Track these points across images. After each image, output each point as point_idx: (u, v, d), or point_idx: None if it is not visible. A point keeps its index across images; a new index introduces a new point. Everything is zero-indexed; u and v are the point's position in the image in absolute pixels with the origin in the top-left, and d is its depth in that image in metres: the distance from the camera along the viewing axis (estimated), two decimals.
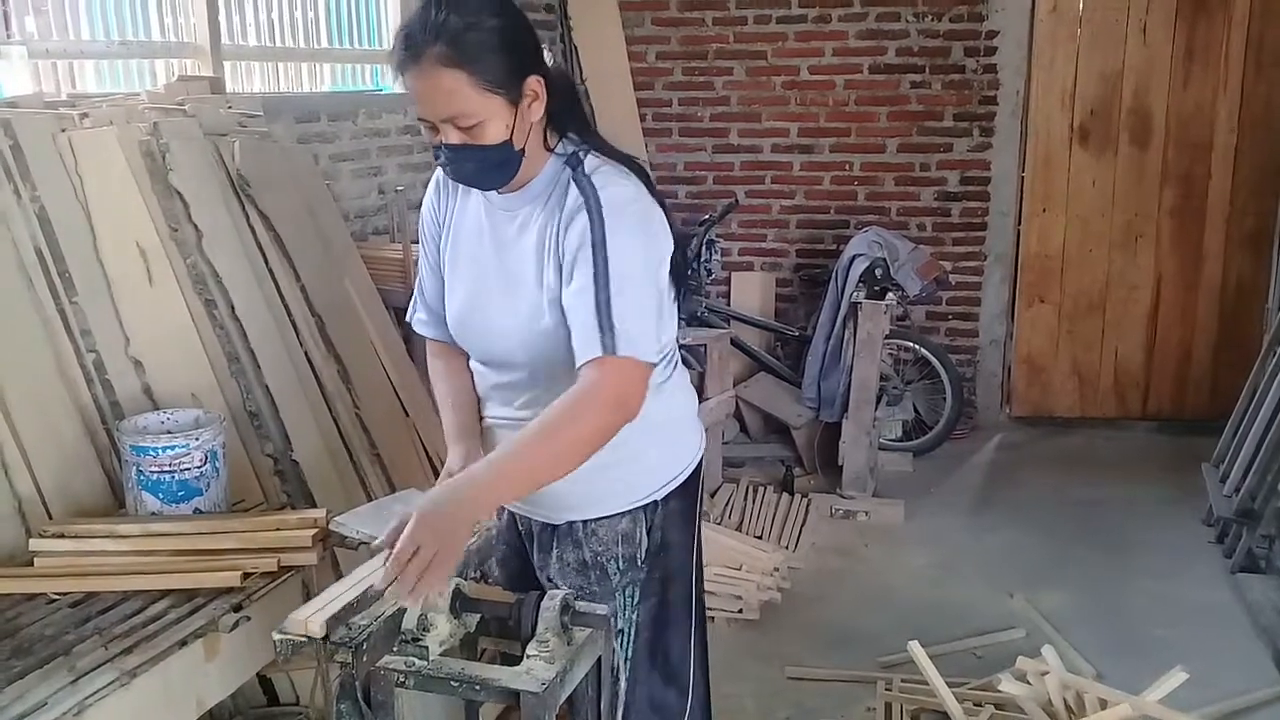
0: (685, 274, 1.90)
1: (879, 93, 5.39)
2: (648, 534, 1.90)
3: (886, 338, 4.73)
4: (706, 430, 2.14)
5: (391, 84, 4.59)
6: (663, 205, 1.80)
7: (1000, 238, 5.44)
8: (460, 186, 1.87)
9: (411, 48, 1.65)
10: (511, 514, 2.01)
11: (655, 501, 1.90)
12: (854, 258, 4.78)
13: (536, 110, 1.73)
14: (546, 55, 1.78)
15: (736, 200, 5.37)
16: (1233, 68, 5.14)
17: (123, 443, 2.41)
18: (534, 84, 1.71)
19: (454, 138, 1.70)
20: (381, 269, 3.65)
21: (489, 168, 1.74)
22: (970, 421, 5.50)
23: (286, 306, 3.10)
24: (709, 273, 5.04)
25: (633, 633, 1.92)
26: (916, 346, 5.19)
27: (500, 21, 1.67)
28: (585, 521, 1.89)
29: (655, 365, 1.72)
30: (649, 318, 1.70)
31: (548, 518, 1.94)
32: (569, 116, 1.81)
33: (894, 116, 5.40)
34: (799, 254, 5.63)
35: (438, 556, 1.50)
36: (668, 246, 1.78)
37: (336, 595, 1.62)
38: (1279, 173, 5.16)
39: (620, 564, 1.89)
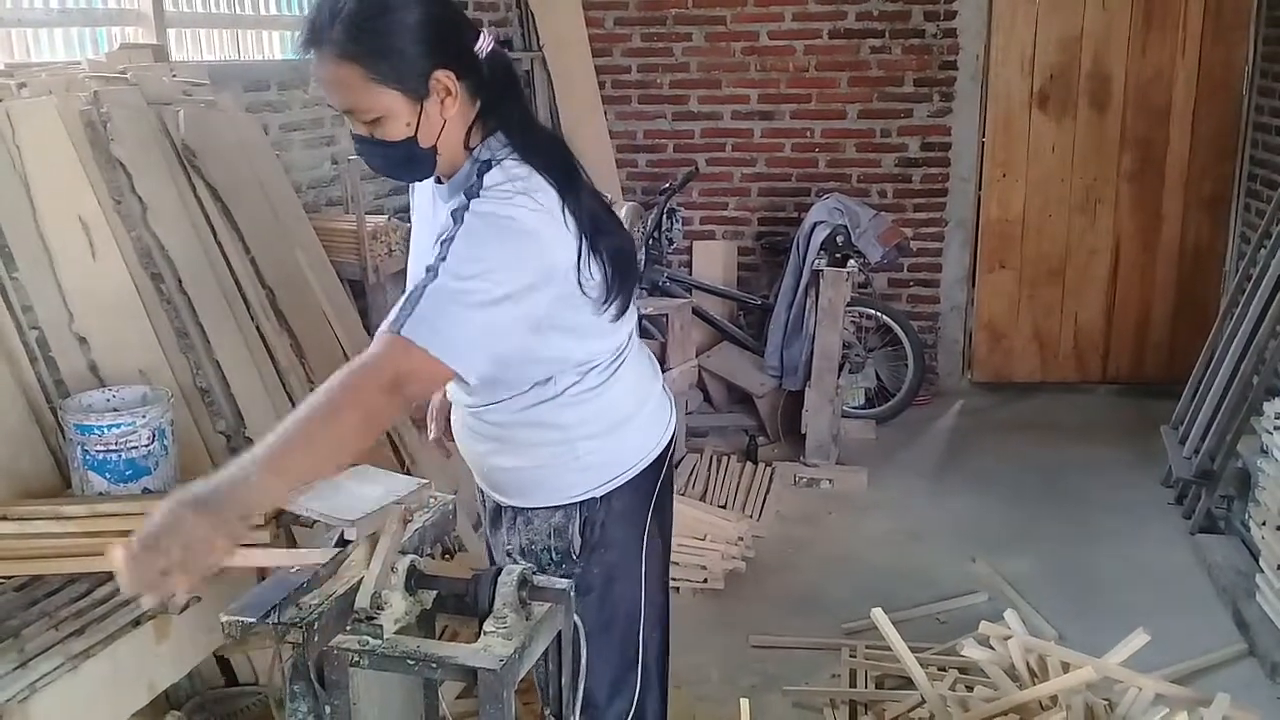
0: (627, 290, 1.79)
1: (839, 58, 5.35)
2: (581, 530, 1.87)
3: (848, 305, 4.72)
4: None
5: None
6: (587, 222, 1.68)
7: (961, 203, 5.44)
8: None
9: (310, 33, 1.60)
10: (480, 489, 2.03)
11: (594, 499, 1.87)
12: (815, 225, 4.76)
13: (450, 106, 1.64)
14: (485, 40, 1.69)
15: (697, 168, 5.32)
16: (1191, 32, 5.14)
17: (67, 421, 2.35)
18: (444, 79, 1.62)
19: (358, 129, 1.66)
20: (335, 241, 3.58)
21: (396, 163, 1.70)
22: (932, 388, 5.51)
23: (236, 280, 3.03)
24: (670, 242, 4.99)
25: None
26: (878, 313, 5.19)
27: (411, 12, 1.59)
28: (523, 509, 1.90)
29: (457, 373, 1.57)
30: (465, 326, 1.55)
31: (498, 499, 1.96)
32: (504, 108, 1.70)
33: (854, 82, 5.37)
34: (760, 222, 5.60)
35: (181, 564, 1.34)
36: (541, 265, 1.63)
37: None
38: (1236, 136, 5.19)
39: (554, 555, 1.89)
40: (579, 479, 1.86)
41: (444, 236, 1.60)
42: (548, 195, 1.64)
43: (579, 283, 1.70)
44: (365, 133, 1.65)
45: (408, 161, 1.68)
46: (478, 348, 1.58)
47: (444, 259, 1.57)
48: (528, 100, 1.78)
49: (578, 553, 1.88)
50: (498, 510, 1.97)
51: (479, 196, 1.62)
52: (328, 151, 4.10)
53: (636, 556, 1.94)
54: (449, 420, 2.06)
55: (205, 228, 3.01)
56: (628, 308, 1.82)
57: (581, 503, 1.87)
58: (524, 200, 1.61)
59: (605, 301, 1.75)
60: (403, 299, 1.57)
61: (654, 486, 1.94)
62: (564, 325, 1.74)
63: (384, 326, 1.56)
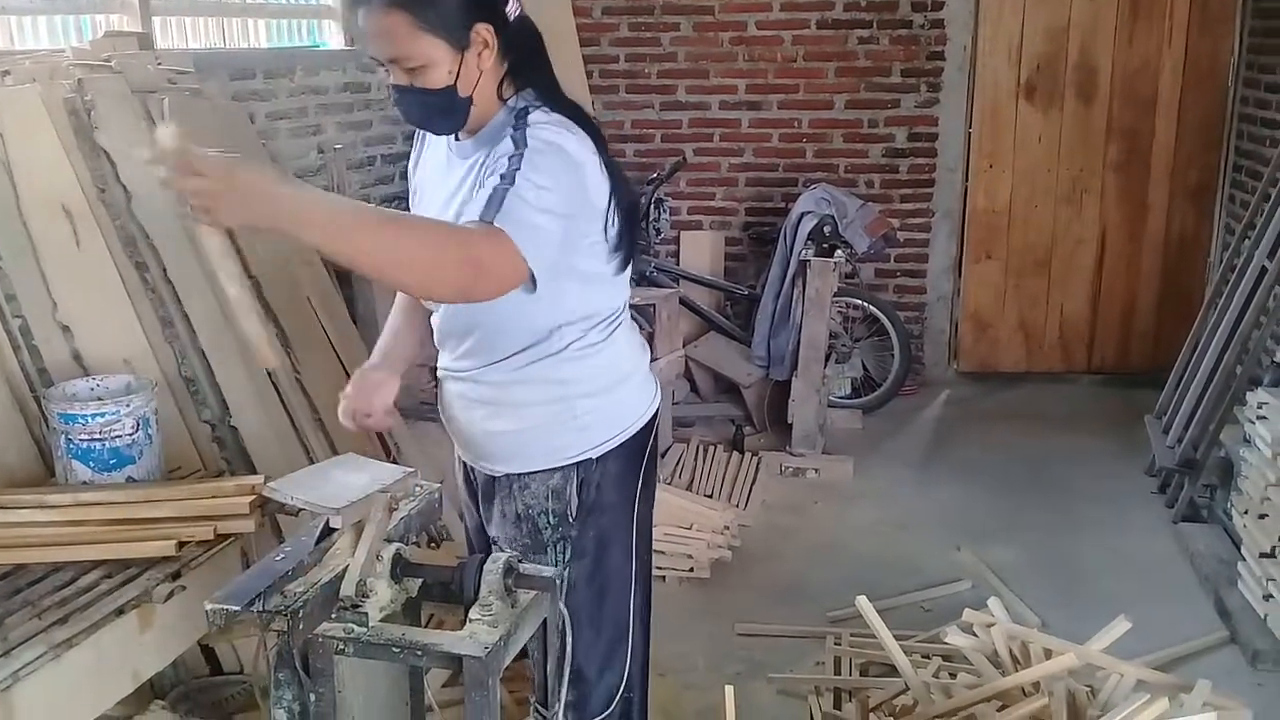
0: (633, 242, 1.88)
1: (827, 48, 5.35)
2: (578, 492, 1.91)
3: (835, 295, 4.72)
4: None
5: (329, 40, 4.49)
6: (614, 173, 1.80)
7: (947, 194, 5.45)
8: (431, 135, 1.90)
9: None
10: (466, 467, 2.05)
11: (590, 460, 1.90)
12: (802, 215, 4.77)
13: (487, 59, 1.74)
14: (513, 5, 1.79)
15: (684, 158, 5.32)
16: (1177, 22, 5.16)
17: (51, 410, 2.35)
18: (483, 31, 1.72)
19: (400, 78, 1.73)
20: None
21: (434, 112, 1.77)
22: (918, 378, 5.53)
23: None
24: (658, 232, 5.00)
25: (564, 589, 1.89)
26: (865, 304, 5.19)
27: None
28: (519, 475, 1.92)
29: (529, 274, 1.63)
30: (541, 229, 1.63)
31: (490, 469, 1.97)
32: (532, 70, 1.82)
33: (842, 72, 5.37)
34: (748, 212, 5.60)
35: (216, 186, 1.47)
36: (585, 200, 1.74)
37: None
38: (1222, 127, 5.21)
39: (551, 518, 1.91)
40: (576, 439, 1.90)
41: (509, 155, 1.67)
42: (587, 141, 1.76)
43: (605, 228, 1.79)
44: (406, 82, 1.73)
45: (446, 110, 1.75)
46: (550, 251, 1.66)
47: (518, 169, 1.65)
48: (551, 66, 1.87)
49: (574, 515, 1.91)
50: (490, 483, 1.98)
51: (527, 130, 1.70)
52: (314, 141, 4.09)
53: (628, 524, 1.98)
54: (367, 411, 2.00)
55: (190, 216, 2.99)
56: (630, 260, 1.89)
57: (579, 464, 1.90)
58: (570, 138, 1.73)
59: (617, 249, 1.83)
60: (484, 200, 1.62)
61: (643, 454, 1.99)
62: (581, 270, 1.80)
63: (477, 215, 1.62)
